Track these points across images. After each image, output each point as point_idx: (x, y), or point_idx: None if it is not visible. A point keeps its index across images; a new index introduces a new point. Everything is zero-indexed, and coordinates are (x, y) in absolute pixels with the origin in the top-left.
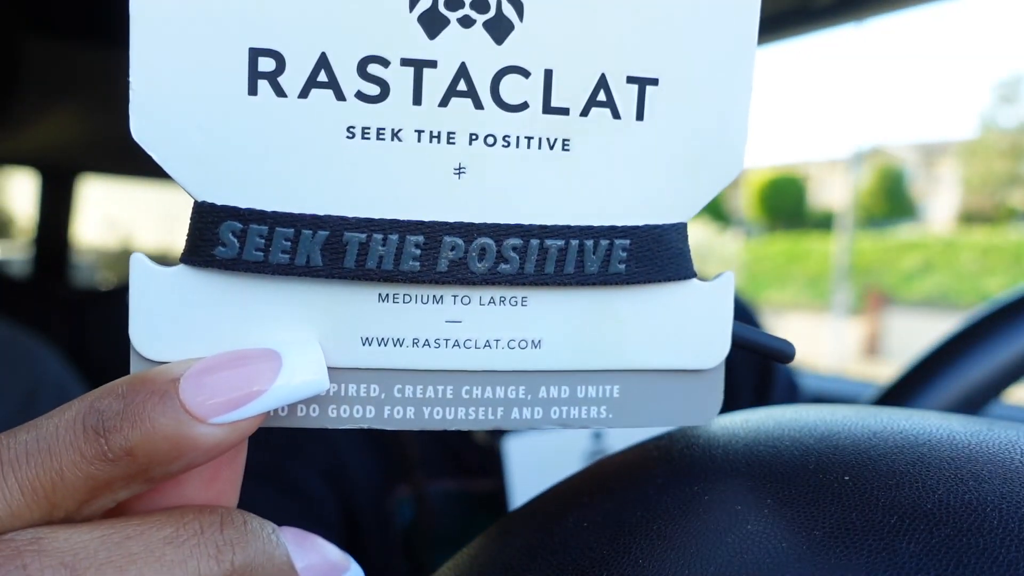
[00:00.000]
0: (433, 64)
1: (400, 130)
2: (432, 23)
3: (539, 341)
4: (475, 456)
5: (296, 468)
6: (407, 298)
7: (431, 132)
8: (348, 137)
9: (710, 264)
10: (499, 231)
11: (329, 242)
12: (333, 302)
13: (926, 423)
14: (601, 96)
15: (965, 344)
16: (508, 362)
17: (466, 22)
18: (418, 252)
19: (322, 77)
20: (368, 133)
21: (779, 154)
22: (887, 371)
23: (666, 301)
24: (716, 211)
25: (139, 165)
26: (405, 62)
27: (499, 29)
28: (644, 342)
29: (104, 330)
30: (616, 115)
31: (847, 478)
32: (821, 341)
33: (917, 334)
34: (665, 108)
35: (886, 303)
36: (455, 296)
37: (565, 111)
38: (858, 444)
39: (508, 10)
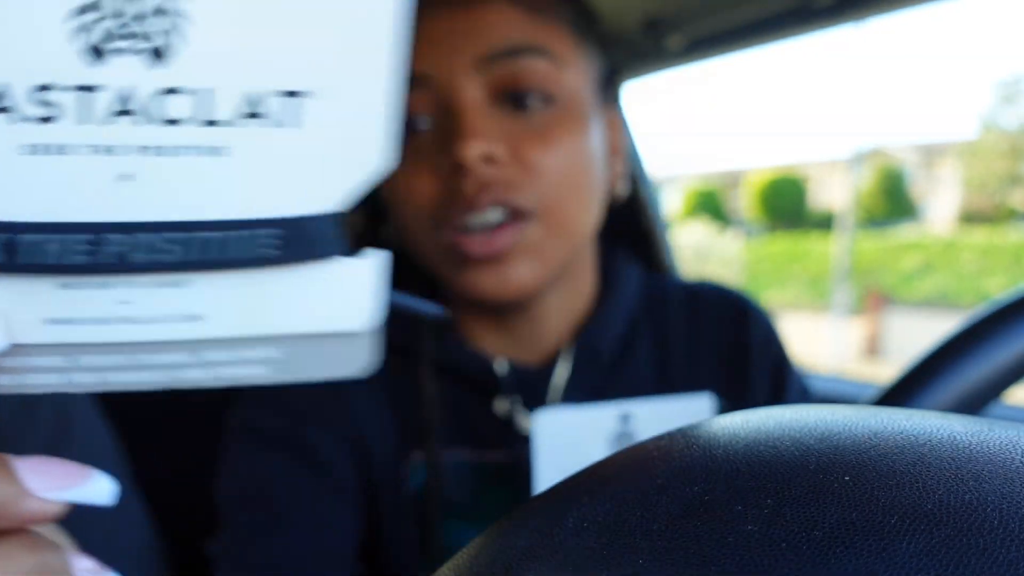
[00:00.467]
0: (98, 88)
1: (70, 146)
2: (96, 54)
3: (201, 315)
4: (492, 428)
5: (312, 433)
6: (83, 285)
7: (98, 146)
8: (25, 154)
9: (711, 264)
10: (159, 227)
11: (8, 244)
12: (19, 292)
13: (926, 423)
14: (258, 109)
15: (965, 344)
16: (173, 333)
17: (129, 51)
18: (86, 248)
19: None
20: (41, 150)
21: (780, 155)
22: (887, 371)
23: (316, 277)
24: (716, 211)
25: None
26: (73, 88)
27: (161, 55)
28: (297, 311)
29: None
30: (271, 124)
31: (847, 478)
32: (821, 341)
33: (917, 334)
34: (316, 116)
35: (886, 303)
36: (125, 282)
37: (225, 122)
38: (858, 444)
39: (169, 38)
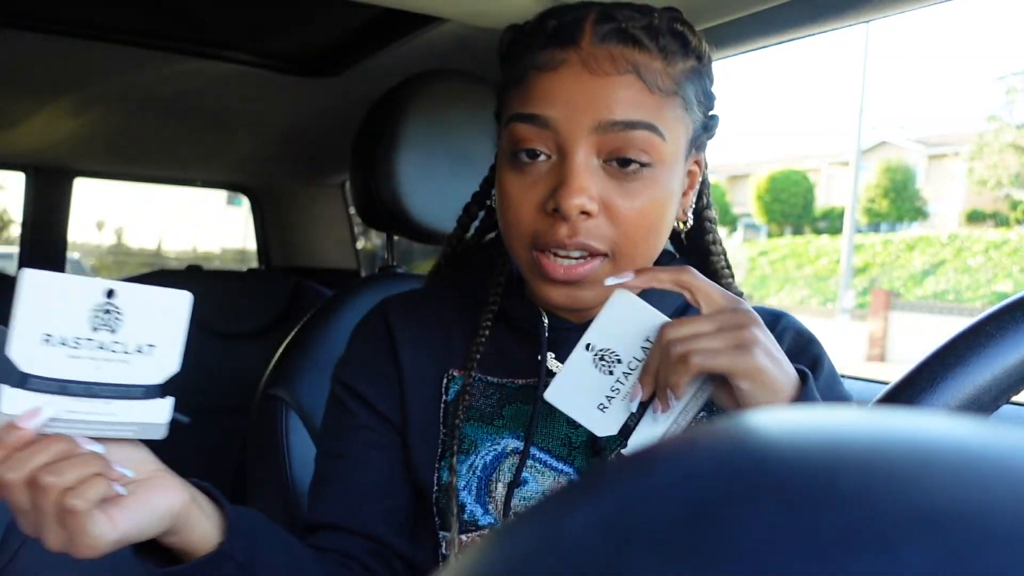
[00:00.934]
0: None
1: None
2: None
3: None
4: (523, 362)
5: (363, 383)
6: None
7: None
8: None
9: None
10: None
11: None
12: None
13: (933, 425)
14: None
15: (975, 343)
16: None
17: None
18: (57, 386)
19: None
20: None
21: (786, 154)
22: (893, 371)
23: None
24: (722, 212)
25: (129, 166)
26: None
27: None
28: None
29: None
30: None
31: (851, 481)
32: (827, 341)
33: (924, 333)
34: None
35: (893, 302)
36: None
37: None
38: (863, 446)
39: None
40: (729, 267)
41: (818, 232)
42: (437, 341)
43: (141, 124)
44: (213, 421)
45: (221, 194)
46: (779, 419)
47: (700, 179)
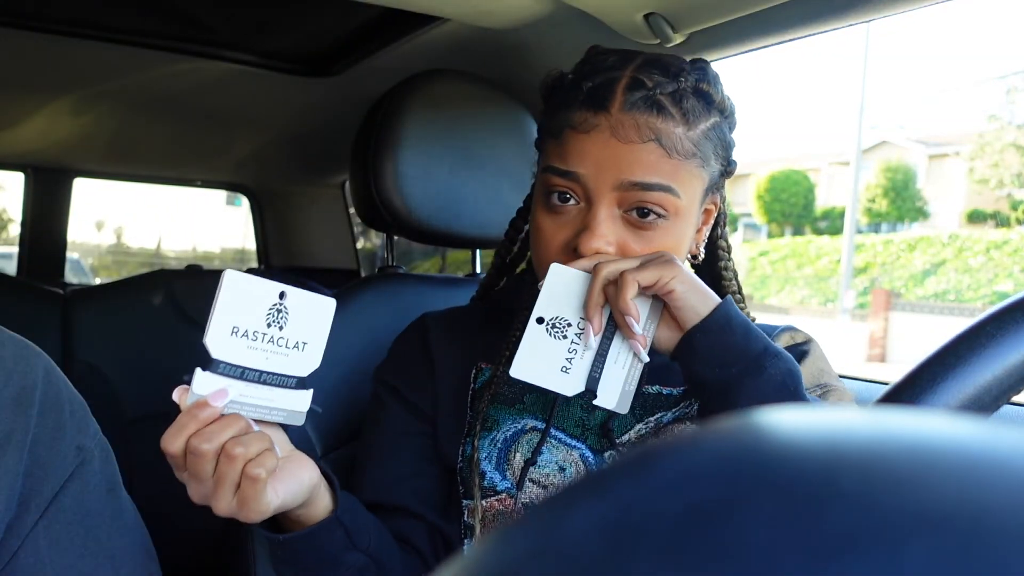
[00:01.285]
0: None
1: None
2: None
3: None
4: None
5: (399, 378)
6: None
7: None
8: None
9: None
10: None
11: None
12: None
13: (934, 425)
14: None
15: (975, 344)
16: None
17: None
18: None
19: None
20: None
21: (786, 154)
22: (894, 371)
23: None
24: None
25: (129, 166)
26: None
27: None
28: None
29: (93, 327)
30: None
31: (852, 481)
32: (828, 341)
33: (925, 333)
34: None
35: (894, 302)
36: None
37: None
38: (864, 446)
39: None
40: (740, 292)
41: (818, 232)
42: (468, 341)
43: (141, 124)
44: None
45: (221, 194)
46: (780, 419)
47: (716, 213)
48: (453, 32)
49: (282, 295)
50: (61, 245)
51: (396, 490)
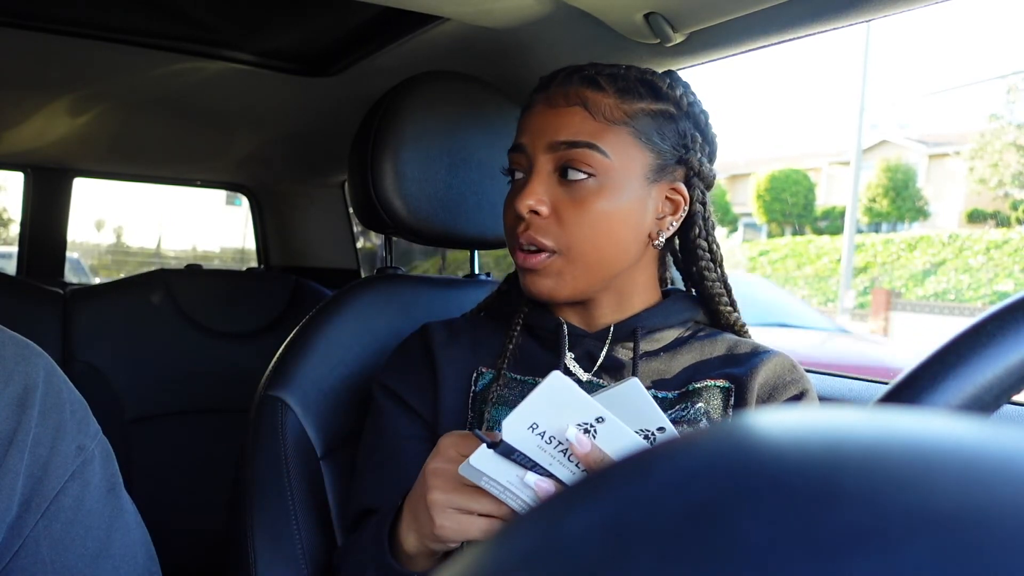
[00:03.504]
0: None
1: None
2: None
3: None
4: (545, 363)
5: (400, 384)
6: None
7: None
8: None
9: None
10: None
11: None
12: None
13: (935, 425)
14: None
15: (976, 343)
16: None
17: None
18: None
19: None
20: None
21: (786, 154)
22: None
23: None
24: (722, 212)
25: (129, 166)
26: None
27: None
28: None
29: (93, 327)
30: None
31: (852, 481)
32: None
33: (925, 333)
34: None
35: (894, 302)
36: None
37: None
38: (864, 446)
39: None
40: (730, 296)
41: (819, 232)
42: (468, 346)
43: (141, 124)
44: (213, 421)
45: (221, 194)
46: (780, 419)
47: (685, 209)
48: (453, 32)
49: (600, 419)
50: (61, 245)
51: (396, 495)
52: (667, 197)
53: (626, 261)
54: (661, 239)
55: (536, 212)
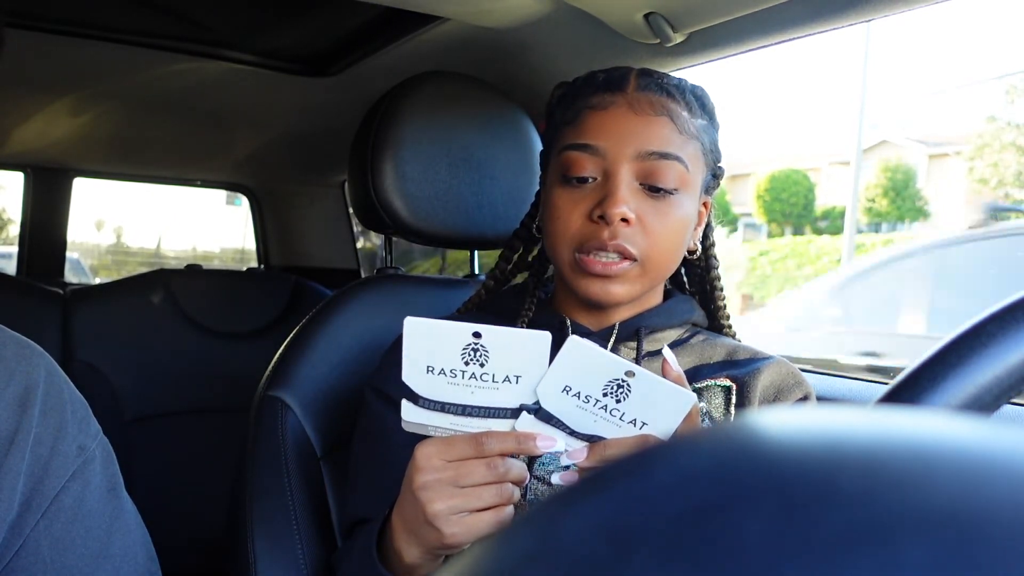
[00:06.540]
0: None
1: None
2: None
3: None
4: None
5: (388, 384)
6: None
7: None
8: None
9: None
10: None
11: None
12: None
13: (934, 425)
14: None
15: (975, 342)
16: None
17: None
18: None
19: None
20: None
21: (786, 153)
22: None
23: None
24: (722, 212)
25: (129, 165)
26: None
27: None
28: None
29: (93, 327)
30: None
31: (852, 481)
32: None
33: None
34: None
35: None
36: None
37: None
38: (864, 446)
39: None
40: (726, 308)
41: (819, 232)
42: None
43: (141, 124)
44: (213, 421)
45: (221, 194)
46: (779, 420)
47: (707, 220)
48: (453, 32)
49: (477, 335)
50: (61, 245)
51: (387, 503)
52: (699, 209)
53: (674, 268)
54: (699, 248)
55: (625, 220)
